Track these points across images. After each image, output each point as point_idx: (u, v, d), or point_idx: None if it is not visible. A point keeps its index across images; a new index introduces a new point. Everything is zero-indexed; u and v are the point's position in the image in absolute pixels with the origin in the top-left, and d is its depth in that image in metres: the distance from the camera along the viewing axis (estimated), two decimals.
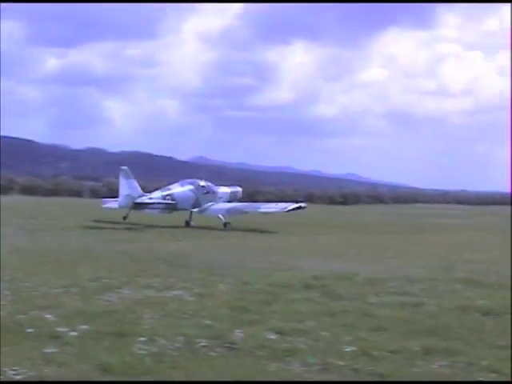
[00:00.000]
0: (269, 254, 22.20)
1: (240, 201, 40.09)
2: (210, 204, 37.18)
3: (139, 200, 34.84)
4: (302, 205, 37.90)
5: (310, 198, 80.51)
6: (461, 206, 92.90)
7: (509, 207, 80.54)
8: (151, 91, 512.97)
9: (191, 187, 37.41)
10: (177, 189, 37.19)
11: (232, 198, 39.39)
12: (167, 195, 36.25)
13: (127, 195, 34.40)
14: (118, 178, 35.78)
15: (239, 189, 40.95)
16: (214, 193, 38.19)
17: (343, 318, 11.33)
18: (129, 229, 32.57)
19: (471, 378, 8.15)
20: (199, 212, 37.22)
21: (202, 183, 37.84)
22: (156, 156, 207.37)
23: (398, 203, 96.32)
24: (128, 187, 34.57)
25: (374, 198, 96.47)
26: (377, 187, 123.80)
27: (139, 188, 35.59)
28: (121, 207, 35.01)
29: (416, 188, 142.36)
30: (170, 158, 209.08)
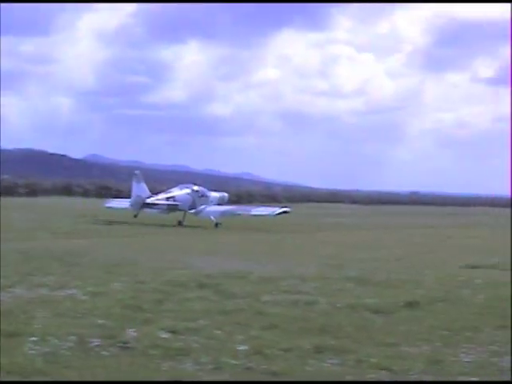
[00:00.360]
0: (167, 252, 22.24)
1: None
2: (204, 206, 41.02)
3: (149, 201, 39.57)
4: (287, 209, 42.34)
5: None
6: (354, 206, 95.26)
7: (399, 206, 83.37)
8: (46, 88, 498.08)
9: (189, 191, 41.46)
10: (177, 192, 41.35)
11: (220, 202, 43.41)
12: (170, 197, 40.78)
13: (138, 196, 39.23)
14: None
15: (226, 194, 45.24)
16: (206, 196, 42.10)
17: (236, 317, 11.48)
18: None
19: (361, 376, 8.43)
20: (196, 213, 40.91)
21: (196, 188, 41.97)
22: (50, 154, 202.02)
23: (292, 202, 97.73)
24: (139, 190, 39.43)
25: (268, 197, 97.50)
26: (271, 186, 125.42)
27: (148, 190, 40.39)
28: (132, 207, 39.66)
29: (310, 187, 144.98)
30: (64, 155, 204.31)
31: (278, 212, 40.79)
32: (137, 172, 40.15)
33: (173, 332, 10.17)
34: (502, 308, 13.04)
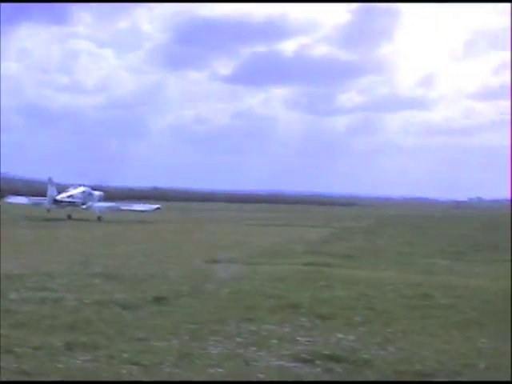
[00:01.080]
0: None
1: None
2: (91, 203, 51.19)
3: (57, 198, 49.99)
4: (160, 206, 54.33)
5: None
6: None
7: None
8: None
9: (81, 190, 51.97)
10: (74, 191, 51.72)
11: (99, 199, 53.43)
12: (70, 195, 51.16)
13: (50, 195, 49.93)
14: None
15: (102, 192, 55.22)
16: (91, 195, 52.64)
17: None
18: None
19: (113, 371, 8.58)
20: (87, 208, 50.69)
21: (83, 188, 52.51)
22: None
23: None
24: (51, 191, 50.08)
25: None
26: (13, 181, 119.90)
27: (56, 191, 50.82)
28: (48, 203, 49.71)
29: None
30: None
31: (155, 208, 52.25)
32: (50, 177, 50.82)
33: None
34: (245, 300, 13.89)
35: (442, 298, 14.93)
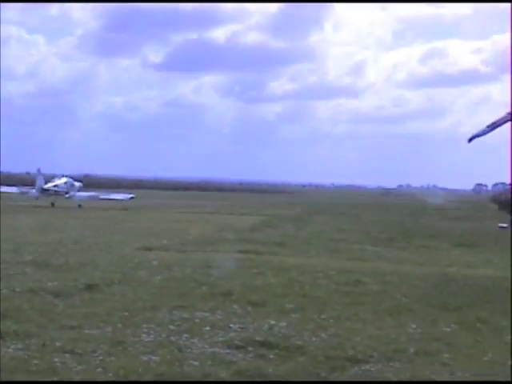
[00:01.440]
0: None
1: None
2: (73, 192, 56.15)
3: (45, 187, 54.99)
4: (133, 195, 59.22)
5: None
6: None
7: None
8: None
9: (65, 180, 57.42)
10: (58, 182, 56.89)
11: (79, 189, 58.49)
12: (55, 185, 56.18)
13: (39, 185, 54.78)
14: None
15: (80, 183, 60.56)
16: (73, 185, 57.66)
17: None
18: None
19: (46, 359, 8.51)
20: (70, 197, 55.26)
21: (64, 179, 57.69)
22: None
23: None
24: (40, 181, 55.16)
25: None
26: None
27: (44, 181, 55.89)
28: (37, 191, 54.74)
29: None
30: None
31: (130, 197, 57.40)
32: (38, 168, 56.79)
33: None
34: (177, 288, 13.97)
35: (373, 285, 15.30)
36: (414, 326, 11.07)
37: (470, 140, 19.33)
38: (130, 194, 61.37)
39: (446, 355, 9.36)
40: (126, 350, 9.15)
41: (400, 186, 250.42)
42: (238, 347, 9.49)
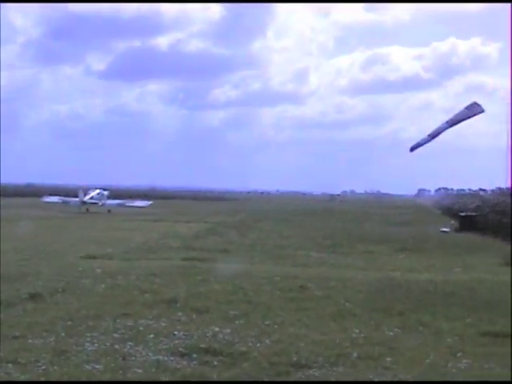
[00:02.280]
0: None
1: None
2: (104, 201, 67.04)
3: (84, 200, 65.40)
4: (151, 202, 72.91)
5: None
6: None
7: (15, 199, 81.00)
8: None
9: (97, 191, 68.86)
10: (92, 194, 67.71)
11: (108, 197, 70.02)
12: (91, 197, 66.84)
13: (80, 198, 65.24)
14: None
15: (108, 192, 72.08)
16: (103, 195, 69.08)
17: None
18: None
19: None
20: (102, 205, 65.28)
21: (97, 191, 68.95)
22: None
23: None
24: (80, 195, 65.47)
25: None
26: None
27: (83, 194, 66.15)
28: (78, 203, 64.77)
29: None
30: None
31: (149, 204, 70.10)
32: (81, 186, 69.48)
33: None
34: (121, 296, 13.96)
35: (317, 290, 15.50)
36: (358, 331, 11.27)
37: (413, 149, 19.75)
38: (148, 201, 73.63)
39: (389, 359, 9.56)
40: (69, 359, 9.14)
41: (344, 192, 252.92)
42: (182, 354, 9.55)
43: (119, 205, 67.97)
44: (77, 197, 67.04)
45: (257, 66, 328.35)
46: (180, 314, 12.33)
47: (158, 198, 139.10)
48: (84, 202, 65.65)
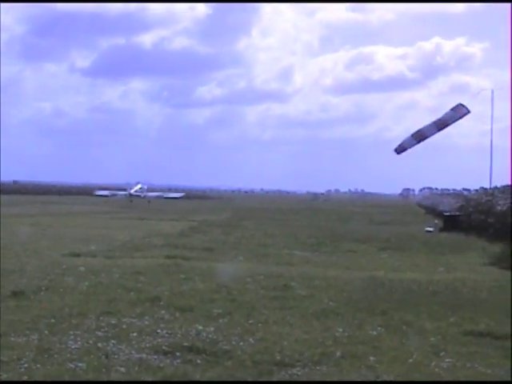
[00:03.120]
0: None
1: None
2: (145, 193, 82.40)
3: (131, 192, 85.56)
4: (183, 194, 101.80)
5: None
6: None
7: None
8: None
9: (140, 186, 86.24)
10: (136, 188, 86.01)
11: (148, 191, 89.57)
12: (135, 190, 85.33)
13: (128, 191, 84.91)
14: None
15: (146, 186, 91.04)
16: (144, 189, 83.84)
17: None
18: None
19: None
20: (143, 197, 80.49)
21: (139, 185, 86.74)
22: None
23: None
24: (129, 189, 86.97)
25: None
26: None
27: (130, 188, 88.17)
28: (126, 195, 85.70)
29: None
30: None
31: (182, 195, 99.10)
32: (137, 182, 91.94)
33: None
34: (105, 294, 13.92)
35: (300, 289, 15.52)
36: (341, 330, 11.30)
37: (399, 152, 19.76)
38: (181, 193, 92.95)
39: (372, 358, 9.59)
40: (53, 358, 9.11)
41: (328, 191, 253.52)
42: (165, 353, 9.54)
43: (157, 197, 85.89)
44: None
45: (241, 64, 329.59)
46: (163, 312, 12.31)
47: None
48: (131, 195, 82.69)
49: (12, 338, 9.96)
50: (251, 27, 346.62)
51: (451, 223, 41.12)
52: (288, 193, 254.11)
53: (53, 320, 11.28)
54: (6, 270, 16.96)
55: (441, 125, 20.79)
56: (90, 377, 8.33)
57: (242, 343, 10.20)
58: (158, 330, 10.84)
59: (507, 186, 39.87)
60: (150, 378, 8.39)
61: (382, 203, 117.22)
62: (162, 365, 9.00)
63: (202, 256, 22.69)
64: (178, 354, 9.49)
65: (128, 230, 35.39)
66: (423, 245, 29.71)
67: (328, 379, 8.72)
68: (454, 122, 21.08)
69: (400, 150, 19.45)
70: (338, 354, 9.75)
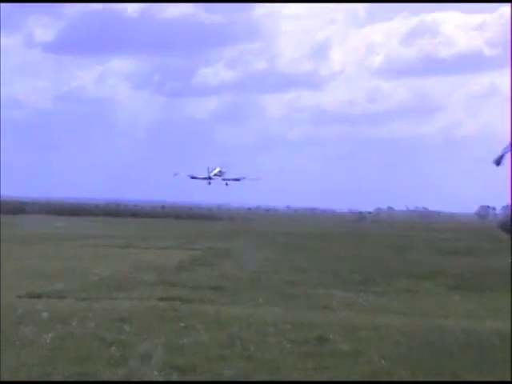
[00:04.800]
0: None
1: None
2: (223, 176, 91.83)
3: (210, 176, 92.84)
4: None
5: None
6: None
7: None
8: None
9: (218, 169, 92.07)
10: (214, 171, 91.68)
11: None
12: (216, 172, 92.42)
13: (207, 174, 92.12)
14: None
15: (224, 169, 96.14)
16: (223, 173, 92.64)
17: None
18: None
19: None
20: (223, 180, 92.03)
21: (218, 169, 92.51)
22: None
23: None
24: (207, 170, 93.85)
25: None
26: None
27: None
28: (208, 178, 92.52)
29: None
30: None
31: None
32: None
33: None
34: (76, 350, 13.93)
35: (341, 343, 15.46)
36: None
37: (498, 163, 19.49)
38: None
39: None
40: None
41: (378, 209, 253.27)
42: None
43: (235, 179, 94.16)
44: None
45: (260, 37, 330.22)
46: (156, 373, 12.31)
47: (127, 216, 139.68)
48: (210, 178, 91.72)
49: None
50: None
51: None
52: (324, 211, 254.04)
53: None
54: None
55: None
56: None
57: None
58: None
59: None
60: None
61: (451, 225, 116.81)
62: None
63: (208, 297, 22.70)
64: None
65: (107, 261, 35.51)
66: (507, 283, 29.51)
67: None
68: None
69: (499, 160, 19.24)
70: None
